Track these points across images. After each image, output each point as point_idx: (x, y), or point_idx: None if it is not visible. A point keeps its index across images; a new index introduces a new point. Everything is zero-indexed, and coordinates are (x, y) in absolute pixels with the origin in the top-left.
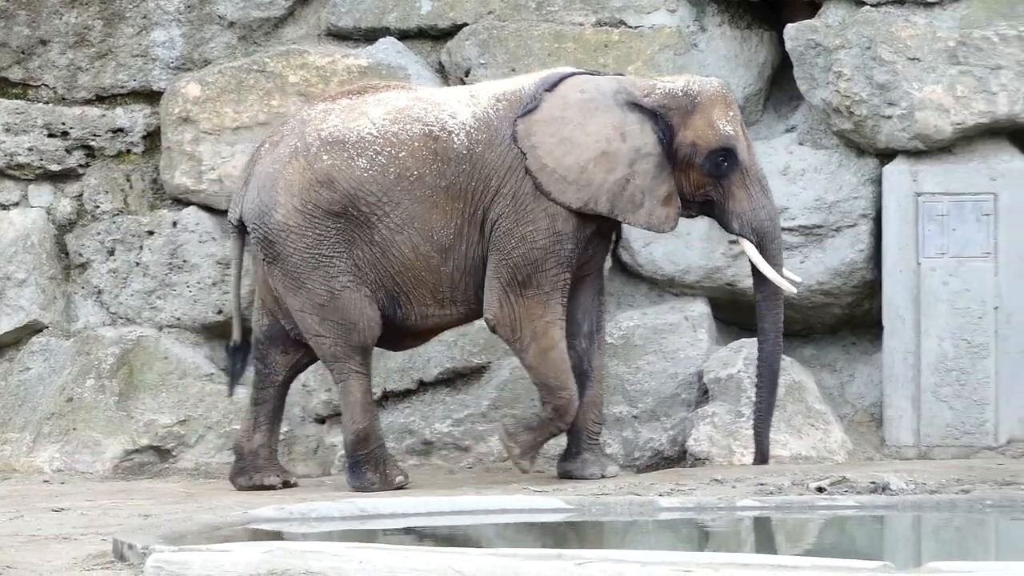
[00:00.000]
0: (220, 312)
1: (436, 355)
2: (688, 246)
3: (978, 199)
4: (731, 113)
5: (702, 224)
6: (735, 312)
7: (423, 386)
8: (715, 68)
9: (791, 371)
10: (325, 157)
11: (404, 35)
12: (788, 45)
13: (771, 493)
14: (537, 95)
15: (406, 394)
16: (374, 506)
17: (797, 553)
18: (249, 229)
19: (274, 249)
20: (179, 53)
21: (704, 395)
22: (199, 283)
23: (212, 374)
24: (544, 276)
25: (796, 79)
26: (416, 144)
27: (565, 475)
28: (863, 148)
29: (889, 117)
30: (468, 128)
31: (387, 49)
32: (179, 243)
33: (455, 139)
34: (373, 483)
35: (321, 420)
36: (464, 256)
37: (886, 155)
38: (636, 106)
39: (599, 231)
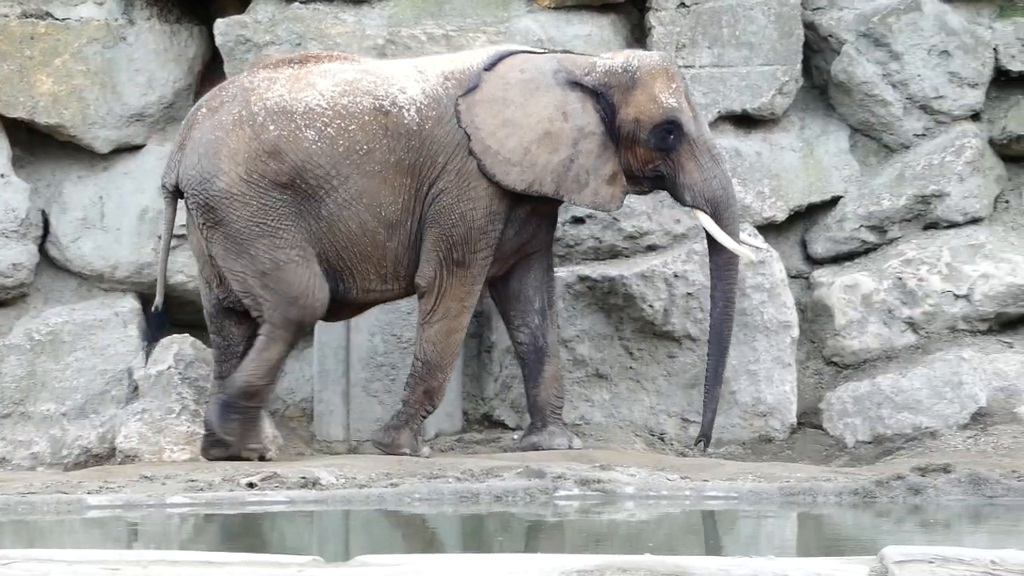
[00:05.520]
0: None
1: None
2: (118, 241)
3: None
4: (674, 85)
5: (131, 219)
6: (166, 308)
7: None
8: (144, 62)
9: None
10: (272, 127)
11: None
12: (218, 40)
13: (201, 489)
14: (477, 74)
15: None
16: None
17: (227, 549)
18: (187, 195)
19: (215, 215)
20: None
21: (135, 392)
22: None
23: None
24: (475, 258)
25: (226, 74)
26: (367, 118)
27: (532, 448)
28: None
29: None
30: (418, 104)
31: None
32: None
33: (405, 114)
34: (231, 436)
35: None
36: (409, 232)
37: None
38: (577, 85)
39: (536, 210)
